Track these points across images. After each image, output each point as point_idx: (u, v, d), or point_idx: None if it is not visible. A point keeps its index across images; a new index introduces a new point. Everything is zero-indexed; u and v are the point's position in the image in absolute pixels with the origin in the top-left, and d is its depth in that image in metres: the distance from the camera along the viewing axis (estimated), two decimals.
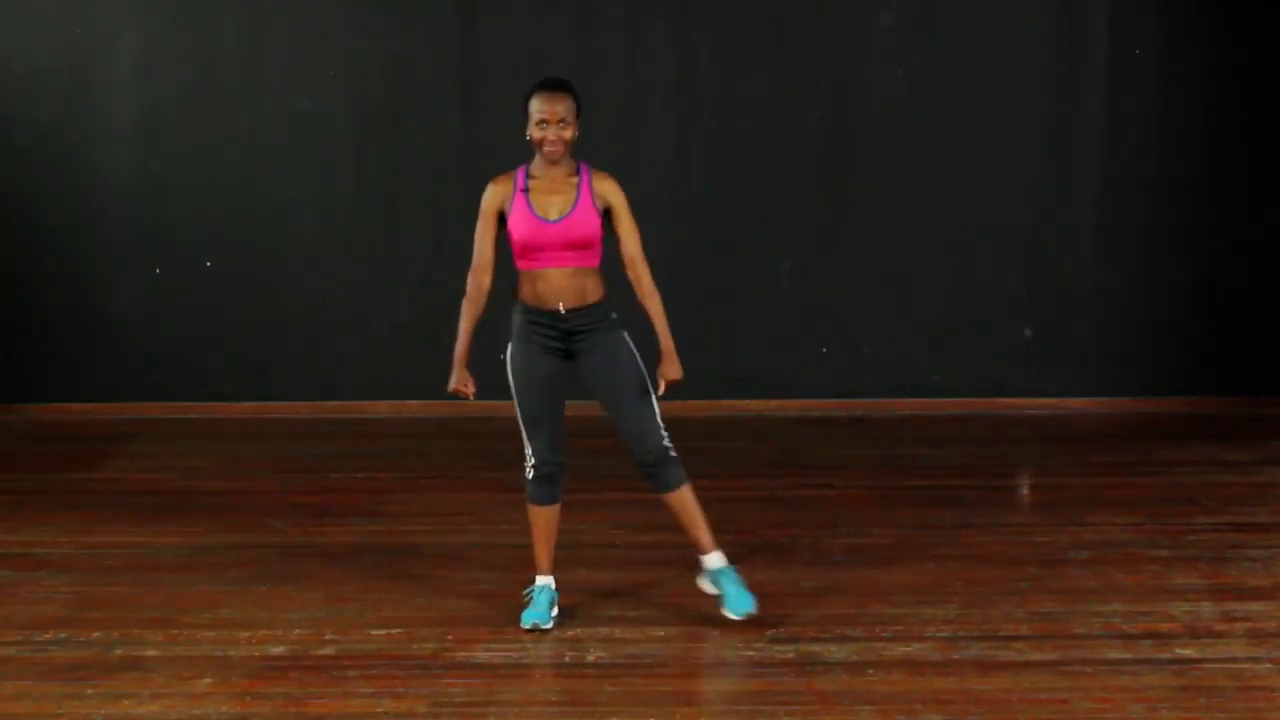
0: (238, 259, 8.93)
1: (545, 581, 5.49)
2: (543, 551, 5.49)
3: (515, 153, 8.87)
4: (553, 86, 5.32)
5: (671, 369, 5.39)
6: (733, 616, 5.36)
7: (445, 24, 8.89)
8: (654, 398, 5.37)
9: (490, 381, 9.48)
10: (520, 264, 5.37)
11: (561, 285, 5.33)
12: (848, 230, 9.03)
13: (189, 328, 8.96)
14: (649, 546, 6.39)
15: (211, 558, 6.27)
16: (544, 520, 5.48)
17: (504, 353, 5.49)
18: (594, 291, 5.36)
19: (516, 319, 5.44)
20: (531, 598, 5.46)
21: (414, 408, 8.99)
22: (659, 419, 5.36)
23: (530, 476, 5.45)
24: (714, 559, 5.43)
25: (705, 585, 5.48)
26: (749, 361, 8.89)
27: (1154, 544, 6.40)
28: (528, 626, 5.36)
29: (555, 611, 5.45)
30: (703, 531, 5.42)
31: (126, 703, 4.82)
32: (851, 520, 6.78)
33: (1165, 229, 9.04)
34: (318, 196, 8.94)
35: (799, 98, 8.93)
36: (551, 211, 5.30)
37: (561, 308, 5.34)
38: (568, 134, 5.29)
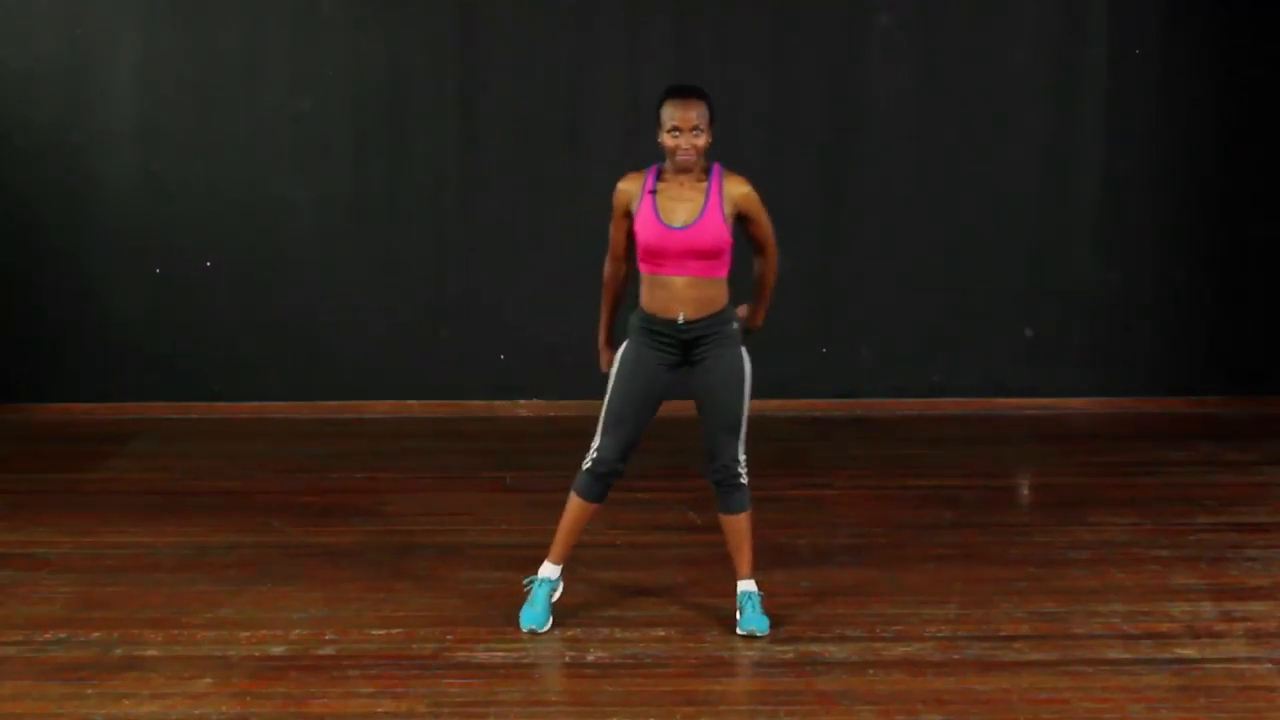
0: (238, 259, 8.93)
1: (549, 573, 5.46)
2: (563, 541, 5.45)
3: (515, 153, 8.94)
4: (685, 93, 5.22)
5: (758, 315, 5.48)
6: (740, 632, 5.36)
7: (445, 24, 8.89)
8: (744, 427, 5.31)
9: (492, 381, 9.51)
10: (643, 267, 5.29)
11: (683, 294, 5.24)
12: (847, 230, 9.04)
13: (189, 328, 8.95)
14: (649, 546, 6.40)
15: (211, 558, 6.27)
16: (578, 513, 5.42)
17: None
18: (717, 301, 5.28)
19: (633, 321, 5.36)
20: (530, 588, 5.44)
21: (414, 408, 8.99)
22: (742, 444, 5.31)
23: (585, 468, 5.38)
24: (747, 584, 5.43)
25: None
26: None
27: (1154, 544, 6.40)
28: (525, 630, 5.35)
29: (559, 594, 5.45)
30: (745, 558, 5.43)
31: (126, 703, 4.82)
32: (851, 520, 6.78)
33: (1165, 229, 9.04)
34: (318, 196, 8.93)
35: (799, 97, 8.93)
36: (677, 217, 5.21)
37: (681, 318, 5.25)
38: (700, 141, 5.19)
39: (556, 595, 5.48)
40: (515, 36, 8.87)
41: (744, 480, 5.34)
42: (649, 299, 5.28)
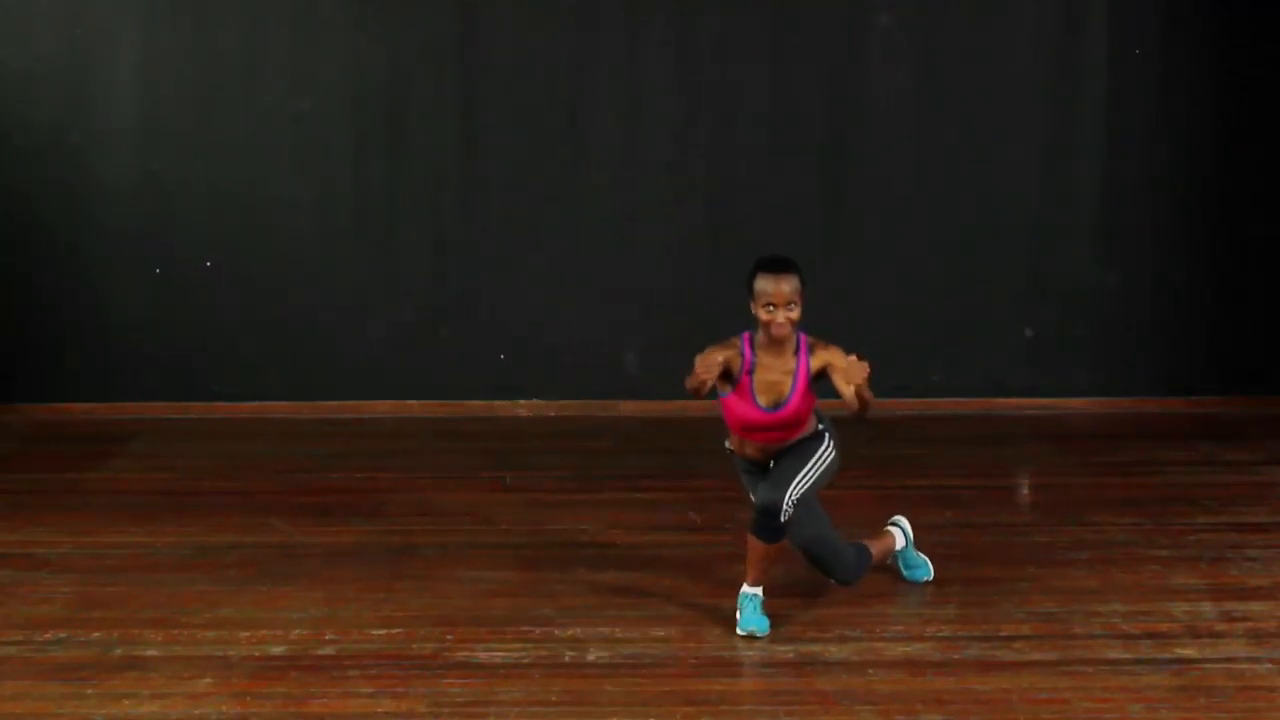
0: (238, 259, 8.93)
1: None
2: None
3: (515, 153, 8.94)
4: (778, 268, 5.29)
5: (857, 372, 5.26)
6: (740, 633, 5.37)
7: (445, 24, 8.88)
8: (802, 482, 5.33)
9: (492, 381, 9.50)
10: (732, 429, 5.44)
11: (770, 450, 5.42)
12: (848, 230, 9.03)
13: (189, 328, 8.96)
14: (649, 546, 6.40)
15: (211, 558, 6.27)
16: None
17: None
18: (803, 434, 5.43)
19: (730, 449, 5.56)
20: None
21: (414, 408, 8.99)
22: (792, 491, 5.30)
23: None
24: (752, 589, 5.45)
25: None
26: None
27: (1154, 544, 6.40)
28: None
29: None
30: (751, 569, 5.45)
31: (126, 703, 4.82)
32: (851, 520, 6.77)
33: (1165, 229, 9.04)
34: (318, 196, 8.93)
35: (799, 98, 8.92)
36: (769, 398, 5.31)
37: (771, 464, 5.43)
38: (795, 314, 5.26)
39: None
40: (515, 37, 8.87)
41: (782, 520, 5.33)
42: (739, 448, 5.51)
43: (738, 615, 5.39)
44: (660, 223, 8.97)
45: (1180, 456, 7.97)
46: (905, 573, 5.95)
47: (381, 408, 9.00)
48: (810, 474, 5.36)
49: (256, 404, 8.98)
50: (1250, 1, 8.87)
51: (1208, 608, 5.62)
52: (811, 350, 5.34)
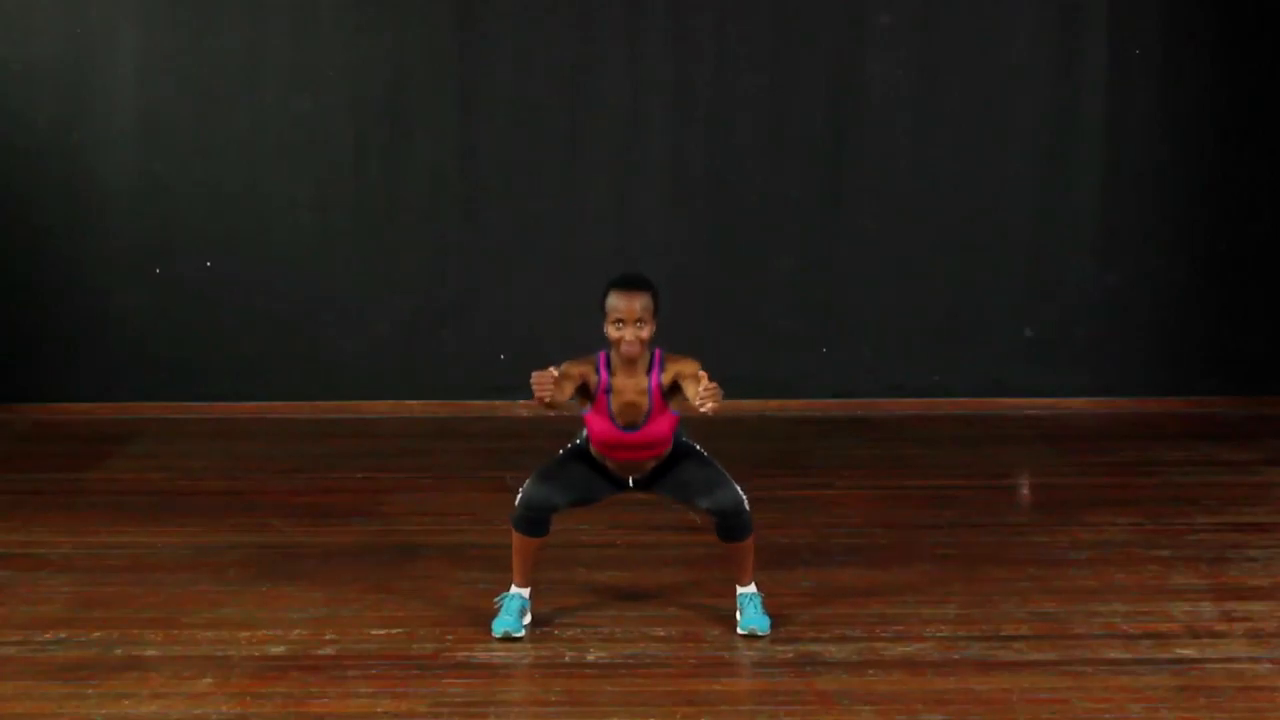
0: (238, 259, 8.93)
1: (518, 591, 5.43)
2: (521, 568, 5.42)
3: (515, 153, 8.94)
4: (629, 285, 5.25)
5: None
6: (741, 632, 5.36)
7: (445, 24, 8.88)
8: (725, 474, 5.34)
9: (492, 381, 9.50)
10: (593, 445, 5.38)
11: (632, 468, 5.39)
12: (847, 230, 9.03)
13: (189, 328, 8.95)
14: (649, 546, 6.40)
15: (211, 558, 6.27)
16: (525, 546, 5.41)
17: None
18: (665, 454, 5.39)
19: (581, 446, 5.44)
20: (501, 606, 5.41)
21: (414, 408, 9.00)
22: (735, 487, 5.31)
23: (514, 516, 5.36)
24: (746, 588, 5.44)
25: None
26: (749, 361, 8.88)
27: (1154, 544, 6.40)
28: (499, 635, 5.32)
29: (528, 619, 5.42)
30: (744, 570, 5.44)
31: (126, 703, 4.82)
32: (851, 520, 6.78)
33: (1165, 229, 9.03)
34: (318, 196, 8.93)
35: (799, 97, 8.92)
36: (627, 417, 5.26)
37: (630, 481, 5.42)
38: (645, 333, 5.20)
39: (527, 619, 5.42)
40: (515, 37, 8.87)
41: (748, 506, 5.35)
42: (600, 457, 5.39)
43: (738, 615, 5.39)
44: (660, 223, 8.97)
45: (1180, 456, 7.97)
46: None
47: (381, 408, 9.00)
48: (717, 464, 5.36)
49: (256, 404, 8.98)
50: (1251, 1, 8.87)
51: (1208, 608, 5.62)
52: (664, 365, 5.27)
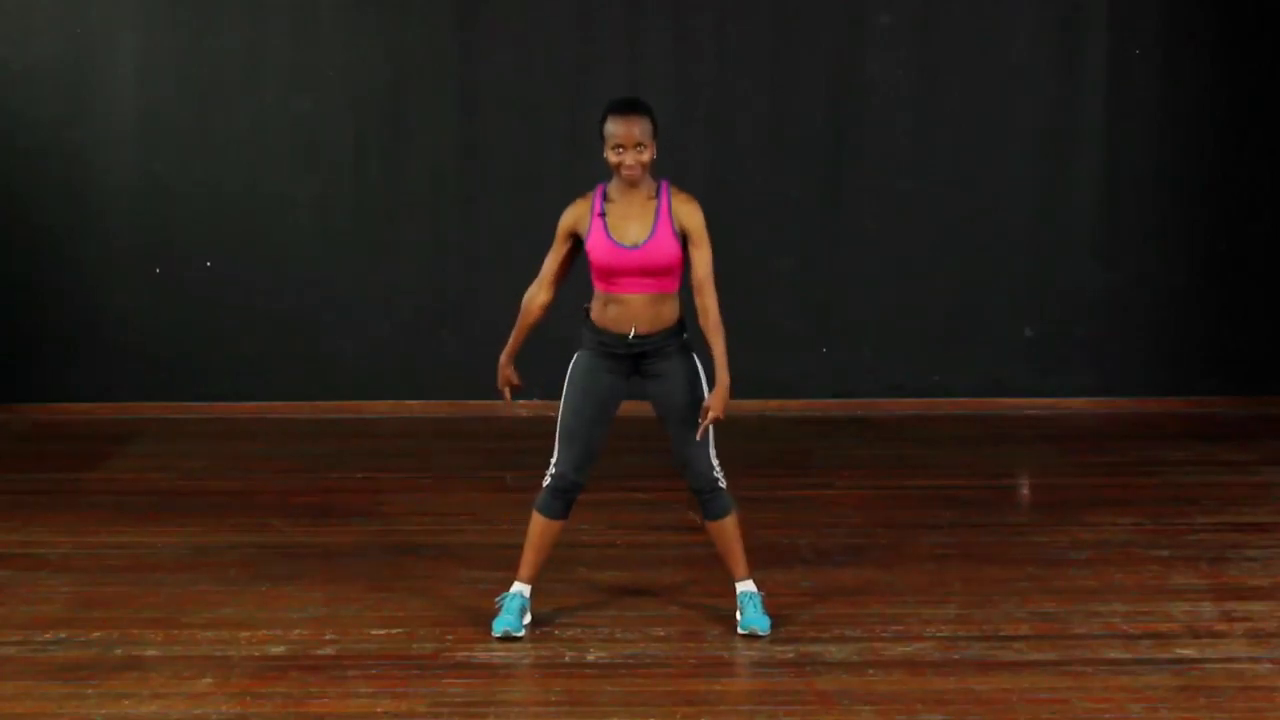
0: (238, 259, 8.93)
1: (520, 589, 5.42)
2: (531, 560, 5.41)
3: (515, 153, 8.93)
4: (627, 108, 5.19)
5: (718, 404, 5.21)
6: (741, 632, 5.36)
7: (445, 24, 8.89)
8: (711, 432, 5.29)
9: (491, 381, 9.48)
10: (597, 285, 5.28)
11: (635, 311, 5.24)
12: (847, 230, 9.03)
13: (189, 328, 8.95)
14: (649, 546, 6.40)
15: (211, 558, 6.27)
16: (543, 530, 5.40)
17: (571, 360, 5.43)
18: (668, 316, 5.27)
19: (585, 334, 5.35)
20: (502, 605, 5.41)
21: (414, 408, 9.00)
22: (713, 449, 5.31)
23: (546, 484, 5.38)
24: (746, 585, 5.42)
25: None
26: (749, 361, 8.87)
27: (1154, 544, 6.40)
28: (499, 634, 5.31)
29: (528, 619, 5.41)
30: (739, 561, 5.41)
31: (126, 703, 4.82)
32: (851, 520, 6.78)
33: (1165, 229, 9.04)
34: (318, 196, 8.93)
35: (799, 97, 8.92)
36: (629, 236, 5.18)
37: (632, 333, 5.24)
38: (645, 157, 5.16)
39: (527, 619, 5.42)
40: (515, 37, 8.87)
41: (722, 484, 5.34)
42: (600, 315, 5.29)
43: (738, 615, 5.39)
44: None
45: (1180, 456, 7.97)
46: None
47: (381, 408, 9.00)
48: (708, 432, 5.28)
49: (256, 404, 8.98)
50: (1251, 1, 8.87)
51: (1208, 608, 5.62)
52: (673, 198, 5.21)
